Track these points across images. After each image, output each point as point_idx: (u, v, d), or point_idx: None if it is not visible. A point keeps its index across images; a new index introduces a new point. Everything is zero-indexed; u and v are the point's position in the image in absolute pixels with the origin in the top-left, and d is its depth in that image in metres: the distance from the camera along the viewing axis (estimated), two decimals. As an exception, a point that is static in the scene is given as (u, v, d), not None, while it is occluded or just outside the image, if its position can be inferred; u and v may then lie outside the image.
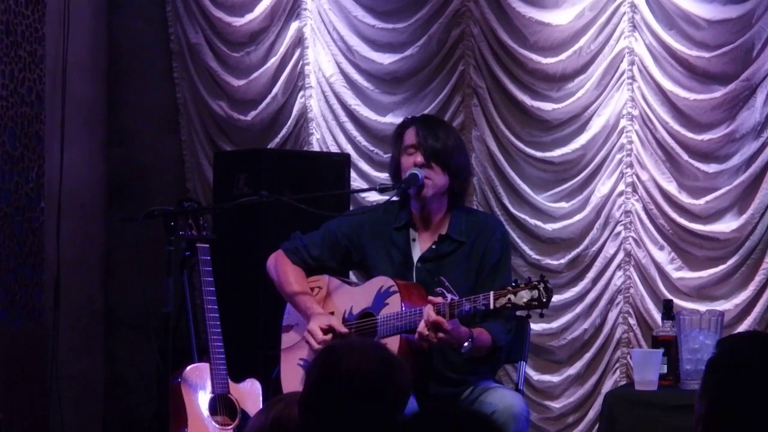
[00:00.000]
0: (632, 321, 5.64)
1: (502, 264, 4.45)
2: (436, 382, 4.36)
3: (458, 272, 4.40)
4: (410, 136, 4.46)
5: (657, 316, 5.48)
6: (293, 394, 2.93)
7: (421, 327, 4.15)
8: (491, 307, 4.11)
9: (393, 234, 4.49)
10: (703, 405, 2.54)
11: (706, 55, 5.48)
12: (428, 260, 4.44)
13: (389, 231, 4.50)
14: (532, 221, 5.78)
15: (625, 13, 5.63)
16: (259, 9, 6.24)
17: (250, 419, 3.95)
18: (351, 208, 5.63)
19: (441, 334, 4.14)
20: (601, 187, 5.69)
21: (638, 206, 5.63)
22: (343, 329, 4.37)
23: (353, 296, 4.46)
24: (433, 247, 4.46)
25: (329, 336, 4.34)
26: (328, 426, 2.71)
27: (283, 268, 4.56)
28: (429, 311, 4.14)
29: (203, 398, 4.53)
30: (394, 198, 4.52)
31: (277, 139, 6.23)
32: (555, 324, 5.72)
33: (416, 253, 4.47)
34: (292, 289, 4.51)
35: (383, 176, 5.73)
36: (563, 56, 5.71)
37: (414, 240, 4.49)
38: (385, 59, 6.02)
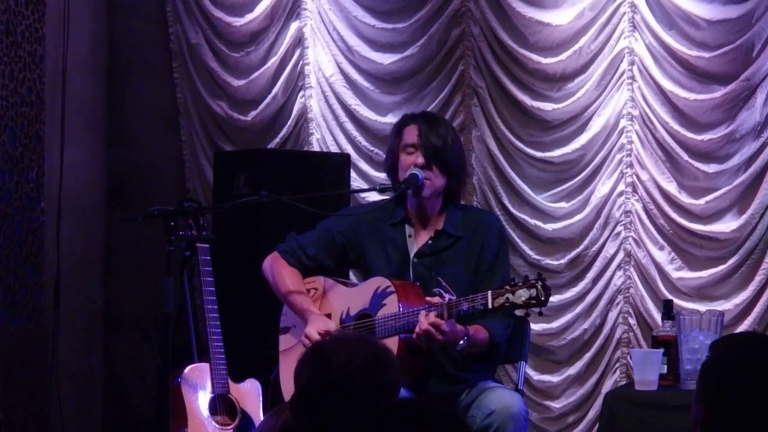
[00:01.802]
0: (632, 321, 5.64)
1: (500, 259, 4.45)
2: (436, 378, 4.36)
3: (456, 267, 4.40)
4: (411, 135, 4.45)
5: (657, 316, 5.48)
6: None
7: (417, 333, 4.15)
8: (489, 306, 4.11)
9: (389, 230, 4.49)
10: (701, 408, 2.54)
11: (706, 55, 5.48)
12: (425, 255, 4.44)
13: (385, 227, 4.50)
14: (532, 221, 5.78)
15: (625, 13, 5.63)
16: (259, 9, 6.24)
17: (260, 423, 3.95)
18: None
19: (439, 336, 4.14)
20: (601, 187, 5.69)
21: (638, 206, 5.63)
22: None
23: (350, 297, 4.46)
24: (430, 242, 4.45)
25: (327, 338, 4.34)
26: (321, 425, 2.71)
27: (278, 270, 4.55)
28: (426, 316, 4.13)
29: (203, 398, 4.53)
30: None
31: (277, 139, 6.23)
32: (555, 324, 5.72)
33: (413, 249, 4.47)
34: (287, 290, 4.50)
35: (383, 176, 5.70)
36: (563, 56, 5.71)
37: (410, 236, 4.49)
38: (385, 59, 6.02)
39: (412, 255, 4.45)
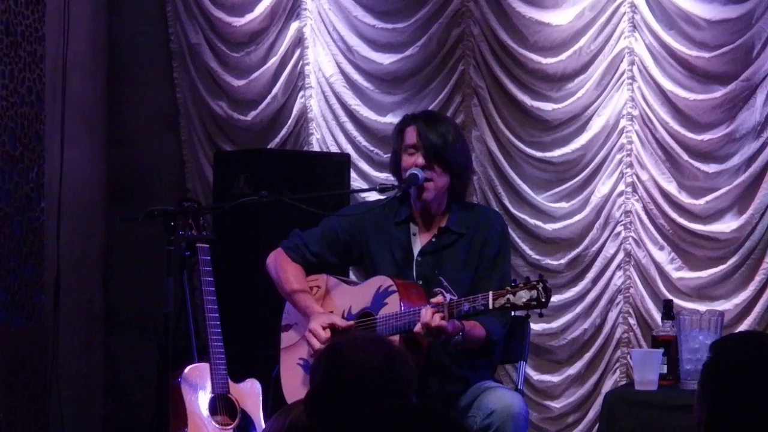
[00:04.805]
0: (632, 321, 5.64)
1: (501, 257, 4.45)
2: (435, 377, 4.36)
3: (458, 264, 4.40)
4: (411, 136, 4.44)
5: (657, 316, 5.48)
6: None
7: (419, 329, 4.15)
8: (490, 307, 4.11)
9: (393, 229, 4.49)
10: (703, 410, 2.54)
11: (706, 55, 5.48)
12: (428, 253, 4.45)
13: (390, 226, 4.50)
14: (532, 221, 5.78)
15: (625, 13, 5.63)
16: (259, 9, 6.24)
17: (268, 422, 3.96)
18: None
19: (441, 336, 4.16)
20: (601, 187, 5.69)
21: (638, 206, 5.64)
22: (344, 323, 4.36)
23: (352, 296, 4.46)
24: (433, 240, 4.46)
25: (330, 333, 4.34)
26: (335, 424, 2.70)
27: (282, 267, 4.55)
28: (431, 314, 4.13)
29: (203, 398, 4.53)
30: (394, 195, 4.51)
31: (277, 139, 6.23)
32: (555, 324, 5.72)
33: (417, 247, 4.47)
34: (291, 287, 4.51)
35: (383, 176, 5.74)
36: (563, 56, 5.71)
37: (414, 234, 4.50)
38: (385, 59, 6.02)
39: (415, 253, 4.46)
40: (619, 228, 5.67)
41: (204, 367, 4.56)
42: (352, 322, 4.38)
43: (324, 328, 4.35)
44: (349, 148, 6.08)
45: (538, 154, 5.78)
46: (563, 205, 5.76)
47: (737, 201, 5.49)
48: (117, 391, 6.51)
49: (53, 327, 5.98)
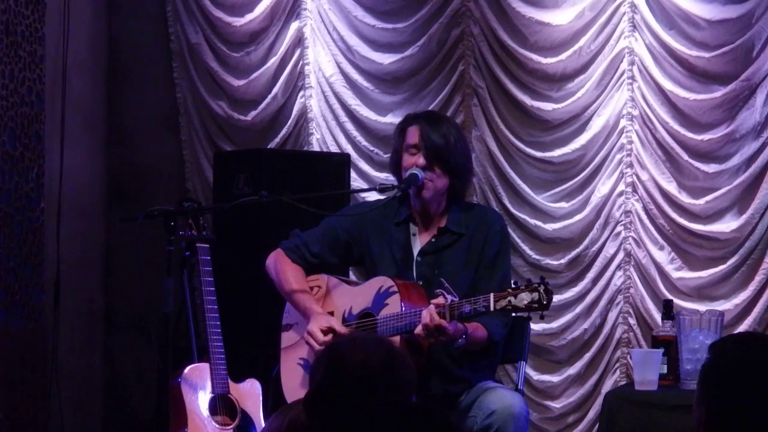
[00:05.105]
0: (632, 321, 5.64)
1: (501, 257, 4.45)
2: (437, 378, 4.36)
3: (457, 264, 4.41)
4: (413, 136, 4.44)
5: (657, 316, 5.48)
6: None
7: (420, 330, 4.15)
8: (491, 308, 4.11)
9: (393, 229, 4.50)
10: (702, 411, 2.54)
11: (706, 55, 5.48)
12: (428, 253, 4.45)
13: (390, 226, 4.51)
14: (532, 221, 5.78)
15: (625, 13, 5.63)
16: (259, 9, 6.24)
17: (266, 422, 3.96)
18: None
19: (441, 337, 4.15)
20: (601, 187, 5.69)
21: (638, 206, 5.64)
22: (344, 329, 4.37)
23: (353, 296, 4.46)
24: (433, 240, 4.46)
25: (329, 337, 4.34)
26: (334, 424, 2.70)
27: (282, 267, 4.55)
28: (431, 314, 4.13)
29: (203, 398, 4.54)
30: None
31: (277, 139, 6.23)
32: (555, 324, 5.72)
33: (416, 248, 4.47)
34: (291, 288, 4.51)
35: (383, 176, 5.74)
36: (563, 56, 5.71)
37: (414, 235, 4.50)
38: (385, 59, 6.02)
39: (415, 254, 4.46)
40: (619, 228, 5.67)
41: (204, 367, 4.56)
42: (350, 329, 4.38)
43: (323, 332, 4.34)
44: (349, 148, 6.08)
45: (538, 154, 5.78)
46: (563, 205, 5.77)
47: (737, 201, 5.49)
48: (117, 391, 6.51)
49: (53, 327, 5.98)
